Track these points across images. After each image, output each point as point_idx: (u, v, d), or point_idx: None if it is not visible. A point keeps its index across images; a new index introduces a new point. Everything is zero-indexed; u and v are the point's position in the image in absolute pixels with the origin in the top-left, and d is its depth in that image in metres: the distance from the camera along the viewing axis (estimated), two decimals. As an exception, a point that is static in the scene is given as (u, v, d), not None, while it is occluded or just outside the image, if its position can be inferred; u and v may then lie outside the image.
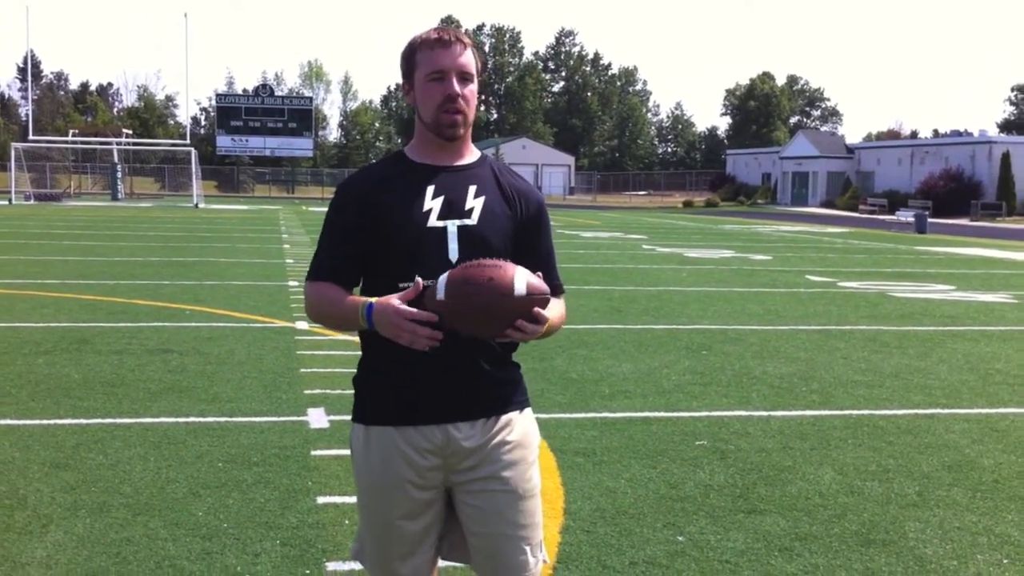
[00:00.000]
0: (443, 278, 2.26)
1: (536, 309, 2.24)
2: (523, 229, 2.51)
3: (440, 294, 2.24)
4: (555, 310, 2.44)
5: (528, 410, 2.58)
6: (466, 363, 2.43)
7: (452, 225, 2.42)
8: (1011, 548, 4.36)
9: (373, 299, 2.32)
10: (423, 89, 2.44)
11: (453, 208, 2.44)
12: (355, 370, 2.54)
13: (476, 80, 2.48)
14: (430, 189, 2.45)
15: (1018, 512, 4.84)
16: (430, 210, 2.42)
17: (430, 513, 2.48)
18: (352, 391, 2.55)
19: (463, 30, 2.56)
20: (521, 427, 2.52)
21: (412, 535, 2.47)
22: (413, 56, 2.46)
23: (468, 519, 2.47)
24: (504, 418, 2.49)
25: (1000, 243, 30.59)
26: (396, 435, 2.44)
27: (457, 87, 2.41)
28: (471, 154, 2.55)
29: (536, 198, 2.57)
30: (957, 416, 6.83)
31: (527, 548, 2.46)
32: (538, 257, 2.50)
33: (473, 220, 2.43)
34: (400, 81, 2.59)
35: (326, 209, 2.55)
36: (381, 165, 2.56)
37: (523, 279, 2.24)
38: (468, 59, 2.44)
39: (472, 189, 2.47)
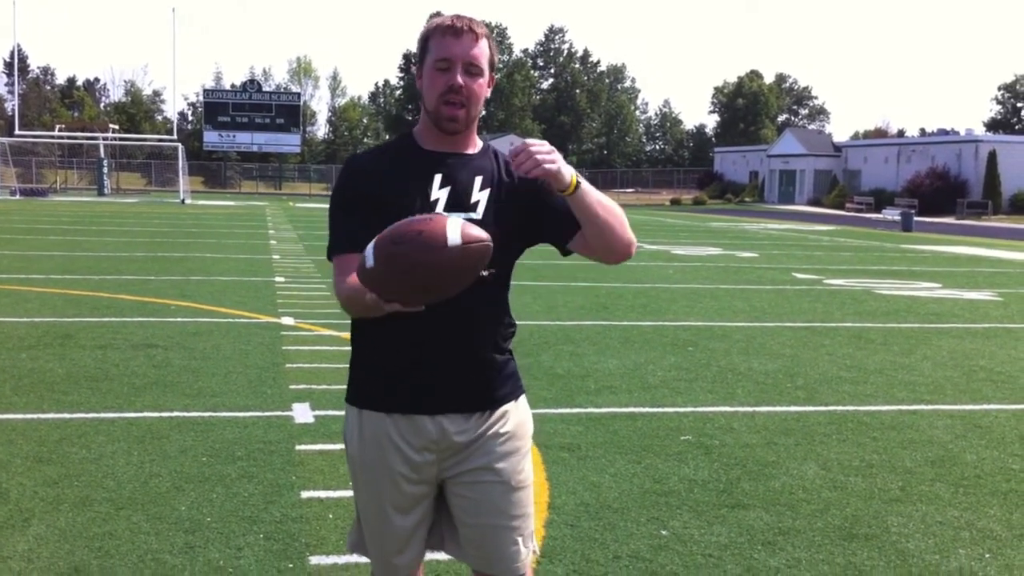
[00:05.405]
0: (372, 243, 2.09)
1: (520, 145, 2.16)
2: (533, 201, 2.42)
3: (369, 261, 2.07)
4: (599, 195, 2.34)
5: (523, 398, 2.55)
6: (460, 353, 2.40)
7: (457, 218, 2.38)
8: (993, 542, 4.39)
9: None
10: (428, 77, 2.38)
11: (459, 200, 2.39)
12: (340, 365, 2.53)
13: (488, 74, 2.39)
14: (437, 178, 2.40)
15: (1000, 507, 4.87)
16: (436, 200, 2.38)
17: (420, 509, 2.47)
18: (338, 386, 2.54)
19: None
20: (515, 417, 2.50)
21: (403, 531, 2.47)
22: (427, 42, 2.39)
23: (460, 510, 2.46)
24: (499, 411, 2.47)
25: (986, 241, 30.75)
26: (389, 425, 2.41)
27: (461, 78, 2.34)
28: (476, 145, 2.49)
29: None
30: (940, 412, 6.86)
31: (519, 539, 2.46)
32: (556, 207, 2.39)
33: (477, 214, 2.38)
34: (403, 72, 2.48)
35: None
36: (388, 148, 2.49)
37: (456, 227, 2.07)
38: (479, 51, 2.35)
39: (479, 180, 2.42)
